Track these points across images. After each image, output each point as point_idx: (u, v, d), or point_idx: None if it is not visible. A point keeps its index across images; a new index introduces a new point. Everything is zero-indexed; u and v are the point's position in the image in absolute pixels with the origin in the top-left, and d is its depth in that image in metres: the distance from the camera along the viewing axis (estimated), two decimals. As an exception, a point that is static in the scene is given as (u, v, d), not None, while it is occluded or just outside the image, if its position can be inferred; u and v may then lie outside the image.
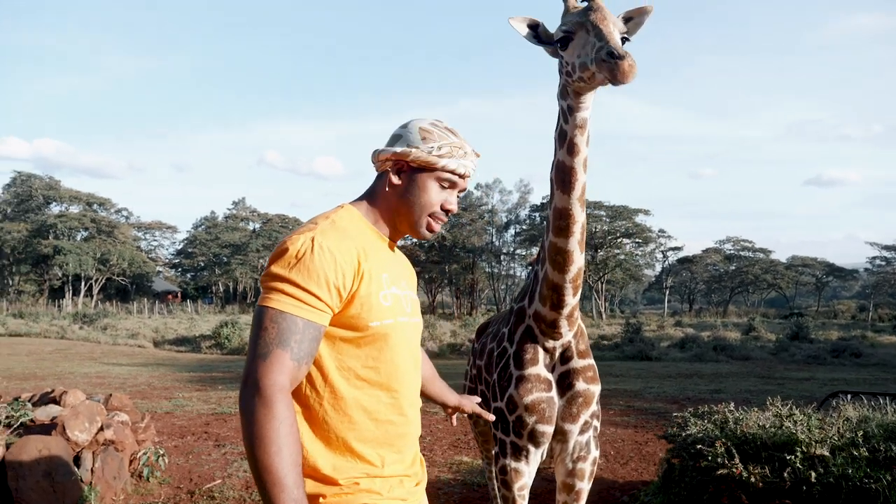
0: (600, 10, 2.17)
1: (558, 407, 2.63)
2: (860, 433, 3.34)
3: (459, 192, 1.78)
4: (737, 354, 20.20)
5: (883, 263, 64.33)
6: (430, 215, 1.72)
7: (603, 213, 53.85)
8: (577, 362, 2.65)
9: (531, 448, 2.65)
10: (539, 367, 2.62)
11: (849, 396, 4.62)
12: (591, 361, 2.70)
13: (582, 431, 2.68)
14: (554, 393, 2.63)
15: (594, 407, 2.68)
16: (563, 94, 2.36)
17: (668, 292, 65.34)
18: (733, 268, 64.44)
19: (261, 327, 1.47)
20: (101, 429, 5.22)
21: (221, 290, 68.28)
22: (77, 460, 4.89)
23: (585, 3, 2.23)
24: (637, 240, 57.23)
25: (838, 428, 3.48)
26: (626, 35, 2.27)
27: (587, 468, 2.73)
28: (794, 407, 4.01)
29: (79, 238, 57.94)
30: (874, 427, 3.46)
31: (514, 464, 2.68)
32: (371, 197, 1.76)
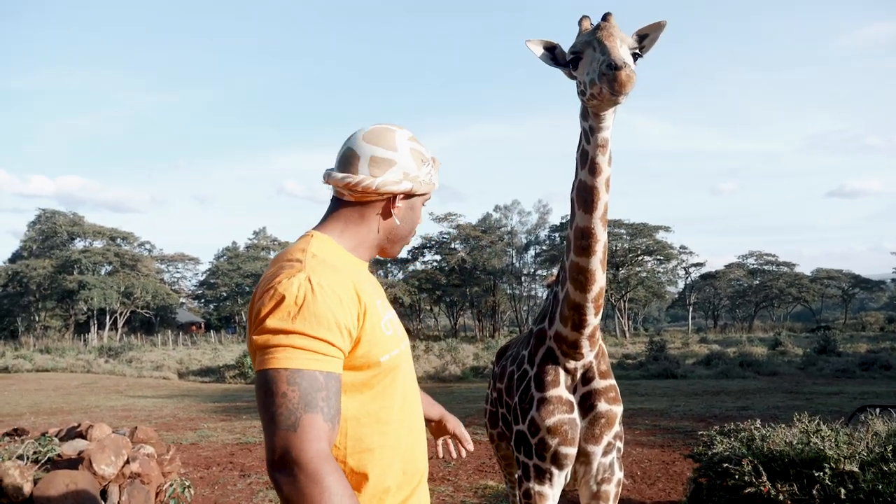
0: (607, 27, 2.21)
1: (581, 428, 2.61)
2: (890, 448, 3.27)
3: None
4: (764, 370, 19.89)
5: (911, 273, 63.11)
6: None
7: (623, 231, 53.58)
8: (598, 383, 2.64)
9: (554, 471, 2.63)
10: (560, 389, 2.62)
11: (878, 410, 4.53)
12: (613, 382, 2.68)
13: (605, 453, 2.66)
14: (576, 414, 2.62)
15: (617, 428, 2.67)
16: (584, 114, 2.39)
17: (691, 309, 64.56)
18: (757, 282, 63.59)
19: (277, 394, 1.26)
20: (127, 462, 5.27)
21: (244, 319, 68.64)
22: (104, 494, 4.94)
23: (598, 22, 2.28)
24: (658, 257, 56.76)
25: (867, 443, 3.42)
26: (637, 51, 2.30)
27: (612, 490, 2.71)
28: (821, 422, 3.94)
29: (103, 272, 58.75)
30: (904, 441, 3.39)
31: (537, 487, 2.66)
32: (347, 223, 1.56)
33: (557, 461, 2.61)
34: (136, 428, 6.16)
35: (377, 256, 1.65)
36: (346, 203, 1.58)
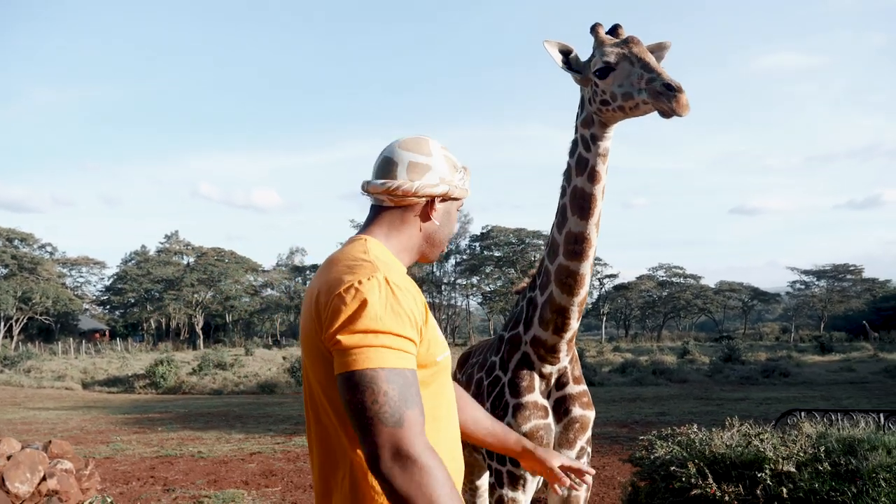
0: (639, 43, 2.27)
1: (555, 433, 2.64)
2: (821, 448, 3.48)
3: None
4: (675, 377, 20.78)
5: (802, 287, 67.76)
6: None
7: (541, 242, 54.93)
8: (572, 388, 2.67)
9: (528, 476, 2.64)
10: (536, 395, 2.63)
11: (802, 414, 4.82)
12: (586, 387, 2.73)
13: (577, 457, 2.69)
14: (551, 419, 2.64)
15: (589, 433, 2.71)
16: (588, 122, 2.42)
17: (604, 318, 66.78)
18: (666, 293, 66.51)
19: (378, 392, 1.30)
20: (44, 478, 4.93)
21: (153, 327, 65.74)
22: (19, 513, 4.59)
23: (620, 38, 2.33)
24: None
25: (801, 444, 3.62)
26: None
27: (581, 495, 2.74)
28: (753, 426, 4.15)
29: (-2, 276, 54.95)
30: (833, 442, 3.62)
31: (511, 493, 2.66)
32: (390, 227, 1.60)
33: None
34: (50, 442, 5.77)
35: (417, 261, 1.69)
36: (386, 209, 1.61)
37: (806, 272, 66.40)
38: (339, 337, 1.34)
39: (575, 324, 2.57)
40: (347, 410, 1.34)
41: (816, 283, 66.55)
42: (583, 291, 2.54)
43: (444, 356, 1.53)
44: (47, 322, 56.54)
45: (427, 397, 1.46)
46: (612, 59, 2.31)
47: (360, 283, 1.37)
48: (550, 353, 2.61)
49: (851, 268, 64.15)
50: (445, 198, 1.61)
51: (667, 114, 2.14)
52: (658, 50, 2.41)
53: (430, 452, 1.31)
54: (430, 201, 1.59)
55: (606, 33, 2.40)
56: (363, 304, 1.34)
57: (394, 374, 1.32)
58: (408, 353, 1.36)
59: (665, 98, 2.10)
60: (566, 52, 2.44)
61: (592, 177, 2.43)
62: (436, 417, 1.50)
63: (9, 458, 4.95)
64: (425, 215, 1.61)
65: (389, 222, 1.60)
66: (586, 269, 2.51)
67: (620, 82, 2.25)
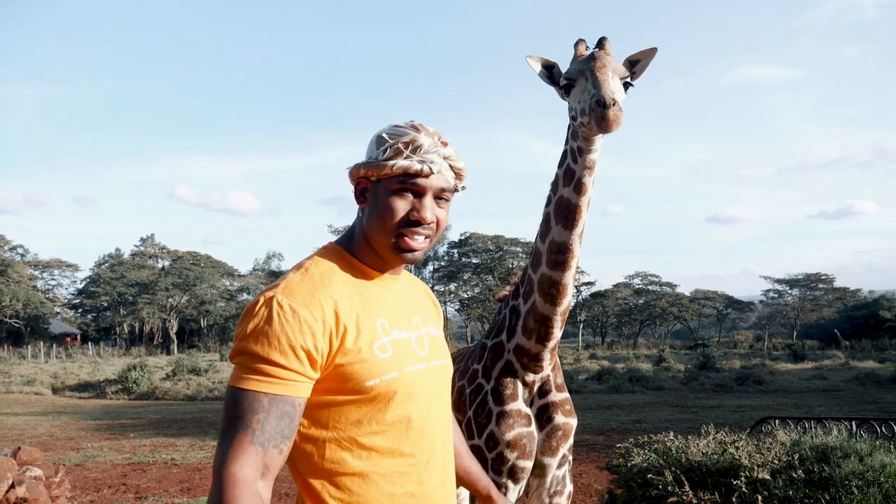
0: (600, 58, 2.27)
1: (538, 441, 2.64)
2: (796, 456, 3.53)
3: (437, 196, 1.47)
4: (651, 385, 20.94)
5: (776, 296, 68.73)
6: (400, 232, 1.43)
7: (519, 249, 55.11)
8: (555, 395, 2.67)
9: (510, 485, 2.63)
10: (519, 403, 2.63)
11: (776, 422, 4.88)
12: (568, 395, 2.73)
13: (559, 465, 2.69)
14: (534, 427, 2.64)
15: (571, 441, 2.71)
16: (574, 135, 2.43)
17: (581, 326, 67.10)
18: (642, 301, 67.01)
19: (225, 409, 1.30)
20: (13, 486, 4.81)
21: (126, 331, 64.70)
22: (-15, 521, 4.49)
23: (591, 51, 2.35)
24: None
25: (776, 452, 3.67)
26: (628, 80, 2.36)
27: (563, 502, 2.74)
28: (729, 433, 4.20)
29: (-35, 278, 53.75)
30: (807, 450, 3.67)
31: None
32: (352, 231, 1.54)
33: (514, 475, 2.61)
34: (19, 448, 5.65)
35: (390, 261, 1.50)
36: None
37: (779, 281, 67.40)
38: (233, 347, 1.36)
39: (558, 333, 2.58)
40: None
41: (789, 291, 67.55)
42: (566, 301, 2.54)
43: (383, 379, 1.39)
44: (17, 325, 55.38)
45: (352, 423, 1.38)
46: (572, 75, 2.34)
47: (253, 302, 1.37)
48: (534, 362, 2.61)
49: (823, 277, 65.27)
50: (363, 179, 1.48)
51: (600, 129, 2.15)
52: (645, 57, 2.42)
53: (231, 485, 1.21)
54: (362, 186, 1.49)
55: (595, 47, 2.41)
56: (245, 323, 1.34)
57: (242, 396, 1.29)
58: (272, 377, 1.29)
59: (594, 114, 2.12)
60: (549, 67, 2.46)
61: (579, 188, 2.44)
62: (368, 447, 1.39)
63: (-24, 465, 4.84)
64: (359, 200, 1.51)
65: (357, 218, 1.55)
66: (569, 279, 2.52)
67: (578, 98, 2.29)
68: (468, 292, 61.34)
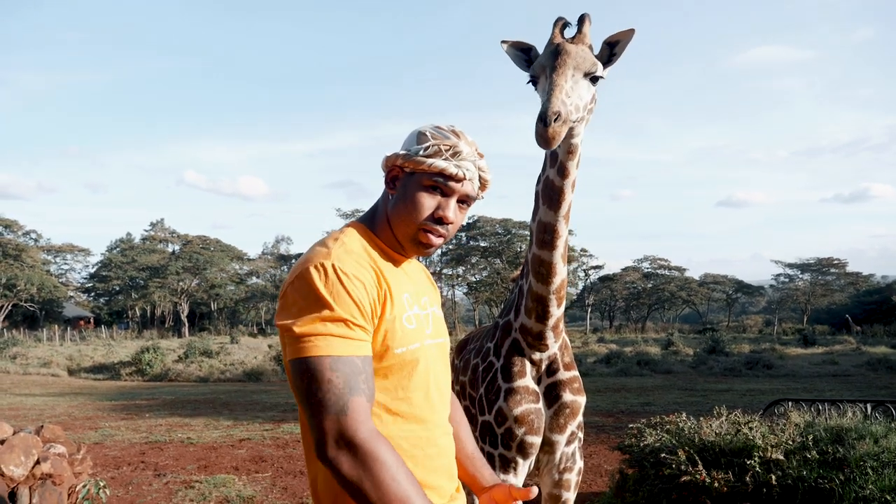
0: (561, 54, 2.21)
1: (546, 418, 2.69)
2: (809, 437, 3.56)
3: (462, 200, 1.55)
4: (659, 368, 20.99)
5: (786, 280, 68.45)
6: (423, 227, 1.51)
7: (527, 232, 54.99)
8: (563, 374, 2.72)
9: (520, 460, 2.69)
10: (527, 380, 2.68)
11: (789, 404, 4.92)
12: (577, 373, 2.77)
13: (568, 442, 2.75)
14: (542, 404, 2.69)
15: (580, 418, 2.76)
16: None
17: (589, 310, 67.11)
18: (651, 285, 66.87)
19: (322, 380, 1.31)
20: (38, 462, 4.92)
21: (138, 314, 65.26)
22: (13, 496, 4.60)
23: (555, 41, 2.27)
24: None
25: (789, 433, 3.71)
26: (599, 73, 2.27)
27: (573, 478, 2.80)
28: (742, 415, 4.24)
29: (-19, 262, 54.29)
30: (821, 431, 3.71)
31: (503, 476, 2.71)
32: (375, 212, 1.61)
33: (523, 450, 2.67)
34: (42, 426, 5.76)
35: (408, 249, 1.57)
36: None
37: (790, 265, 67.07)
38: (287, 323, 1.37)
39: (556, 311, 2.61)
40: (296, 397, 1.37)
41: (800, 276, 67.22)
42: (556, 280, 2.56)
43: (409, 349, 1.48)
44: (32, 309, 55.99)
45: (381, 389, 1.46)
46: (535, 70, 2.31)
47: (307, 270, 1.38)
48: (537, 341, 2.65)
49: (836, 261, 64.86)
50: (396, 168, 1.55)
51: (538, 144, 2.10)
52: (624, 38, 2.32)
53: (376, 438, 1.32)
54: (393, 174, 1.55)
55: (577, 23, 2.33)
56: (312, 291, 1.36)
57: (339, 362, 1.33)
58: (356, 339, 1.37)
59: (536, 129, 2.08)
60: (526, 50, 2.41)
61: (562, 171, 2.45)
62: (394, 412, 1.48)
63: (2, 441, 4.95)
64: (388, 186, 1.58)
65: (382, 200, 1.62)
66: (556, 258, 2.54)
67: (541, 94, 2.26)
68: (476, 276, 61.40)
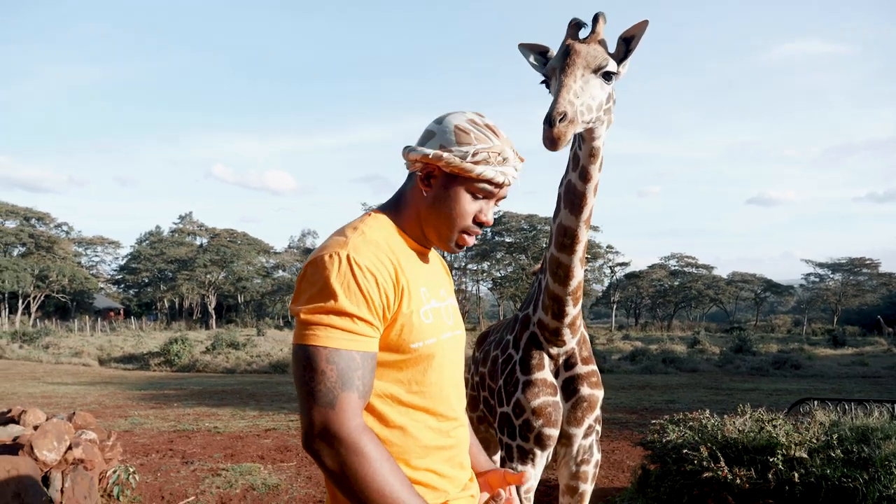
0: (571, 55, 2.19)
1: (563, 411, 2.71)
2: (834, 436, 3.53)
3: (497, 201, 1.56)
4: (684, 367, 20.79)
5: (817, 280, 67.31)
6: (461, 229, 1.52)
7: (552, 229, 54.77)
8: (581, 368, 2.74)
9: (537, 451, 2.72)
10: (545, 373, 2.71)
11: (815, 403, 4.86)
12: (595, 367, 2.79)
13: (586, 435, 2.77)
14: (559, 397, 2.71)
15: (597, 412, 2.78)
16: None
17: (615, 307, 66.63)
18: (677, 283, 66.20)
19: (316, 370, 1.31)
20: (70, 448, 5.05)
21: (167, 306, 66.38)
22: (46, 480, 4.73)
23: (565, 45, 2.25)
24: (586, 255, 58.20)
25: (814, 432, 3.67)
26: (608, 68, 2.23)
27: (590, 471, 2.83)
28: (765, 412, 4.21)
29: (15, 254, 55.63)
30: (846, 430, 3.67)
31: (520, 467, 2.74)
32: (399, 201, 1.58)
33: (540, 442, 2.70)
34: (73, 413, 5.91)
35: (432, 243, 1.59)
36: (406, 179, 1.61)
37: (821, 265, 65.94)
38: (296, 309, 1.38)
39: (572, 310, 2.63)
40: (294, 381, 1.37)
41: (831, 276, 66.04)
42: (573, 283, 2.58)
43: (425, 343, 1.47)
44: (63, 300, 57.21)
45: (395, 381, 1.47)
46: (547, 72, 2.30)
47: (322, 259, 1.38)
48: (554, 336, 2.68)
49: (868, 262, 63.57)
50: (436, 167, 1.50)
51: (545, 146, 2.09)
52: (638, 31, 2.29)
53: (361, 433, 1.32)
54: (430, 170, 1.51)
55: (591, 22, 2.32)
56: (322, 280, 1.36)
57: (336, 355, 1.33)
58: (359, 335, 1.36)
59: (543, 132, 2.06)
60: (543, 53, 2.40)
61: (584, 175, 2.45)
62: (407, 404, 1.48)
63: (35, 427, 5.09)
64: (423, 183, 1.52)
65: (404, 192, 1.59)
66: (575, 262, 2.56)
67: (553, 95, 2.23)
68: (501, 271, 61.33)
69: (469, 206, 1.50)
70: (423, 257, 1.60)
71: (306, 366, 1.32)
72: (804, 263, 68.75)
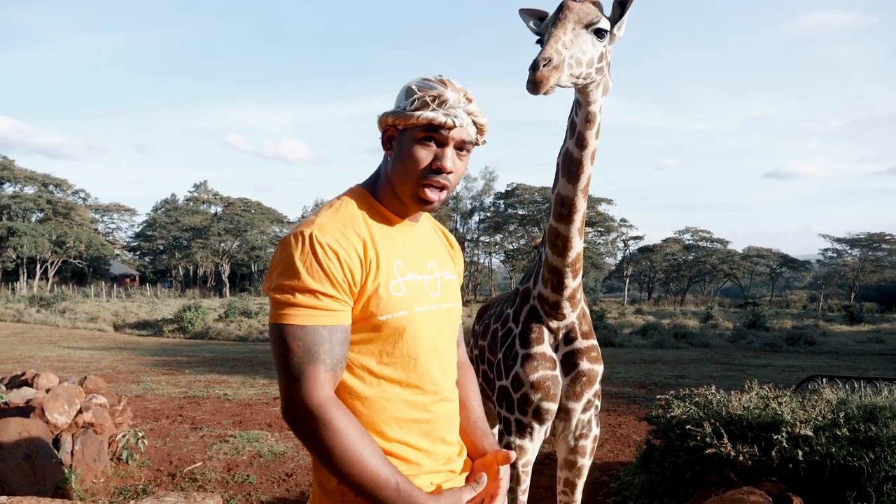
0: (563, 10, 2.18)
1: (562, 386, 2.69)
2: (841, 414, 3.48)
3: (459, 147, 1.52)
4: (696, 342, 20.74)
5: (834, 256, 66.59)
6: (422, 182, 1.50)
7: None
8: (580, 343, 2.71)
9: (535, 425, 2.71)
10: (544, 346, 2.68)
11: (824, 380, 4.81)
12: (595, 342, 2.76)
13: (584, 410, 2.75)
14: (558, 371, 2.69)
15: (597, 386, 2.76)
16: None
17: (627, 281, 66.40)
18: (692, 257, 65.76)
19: (285, 347, 1.37)
20: (81, 411, 5.12)
21: (181, 273, 67.07)
22: (56, 443, 4.80)
23: (560, 4, 2.23)
24: (599, 228, 58.01)
25: (820, 409, 3.63)
26: (599, 26, 2.19)
27: (588, 445, 2.81)
28: (773, 390, 4.17)
29: (34, 219, 56.26)
30: (854, 408, 3.62)
31: (518, 441, 2.73)
32: (378, 175, 1.61)
33: (539, 416, 2.68)
34: (85, 378, 5.99)
35: (411, 207, 1.56)
36: None
37: (839, 240, 65.11)
38: (266, 287, 1.45)
39: (572, 283, 2.59)
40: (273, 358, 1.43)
41: (849, 251, 65.26)
42: (572, 253, 2.55)
43: (394, 316, 1.48)
44: (80, 266, 57.96)
45: (367, 353, 1.49)
46: (542, 30, 2.28)
47: (289, 240, 1.43)
48: (554, 310, 2.65)
49: (888, 237, 62.62)
50: (390, 127, 1.54)
51: (527, 89, 2.08)
52: None
53: (332, 405, 1.37)
54: (389, 134, 1.55)
55: None
56: (287, 259, 1.41)
57: (301, 331, 1.38)
58: (325, 310, 1.40)
59: (528, 76, 2.05)
60: (543, 18, 2.35)
61: (580, 142, 2.41)
62: (379, 375, 1.50)
63: (48, 391, 5.16)
64: (385, 147, 1.57)
65: (382, 162, 1.62)
66: (573, 232, 2.52)
67: None
68: (514, 244, 61.19)
69: (420, 153, 1.49)
70: (406, 230, 1.60)
71: (278, 343, 1.39)
72: (822, 238, 67.84)
